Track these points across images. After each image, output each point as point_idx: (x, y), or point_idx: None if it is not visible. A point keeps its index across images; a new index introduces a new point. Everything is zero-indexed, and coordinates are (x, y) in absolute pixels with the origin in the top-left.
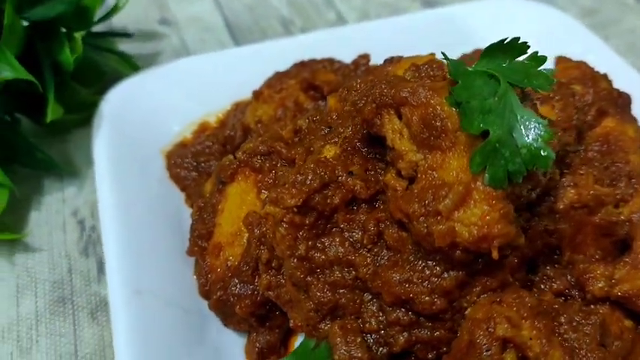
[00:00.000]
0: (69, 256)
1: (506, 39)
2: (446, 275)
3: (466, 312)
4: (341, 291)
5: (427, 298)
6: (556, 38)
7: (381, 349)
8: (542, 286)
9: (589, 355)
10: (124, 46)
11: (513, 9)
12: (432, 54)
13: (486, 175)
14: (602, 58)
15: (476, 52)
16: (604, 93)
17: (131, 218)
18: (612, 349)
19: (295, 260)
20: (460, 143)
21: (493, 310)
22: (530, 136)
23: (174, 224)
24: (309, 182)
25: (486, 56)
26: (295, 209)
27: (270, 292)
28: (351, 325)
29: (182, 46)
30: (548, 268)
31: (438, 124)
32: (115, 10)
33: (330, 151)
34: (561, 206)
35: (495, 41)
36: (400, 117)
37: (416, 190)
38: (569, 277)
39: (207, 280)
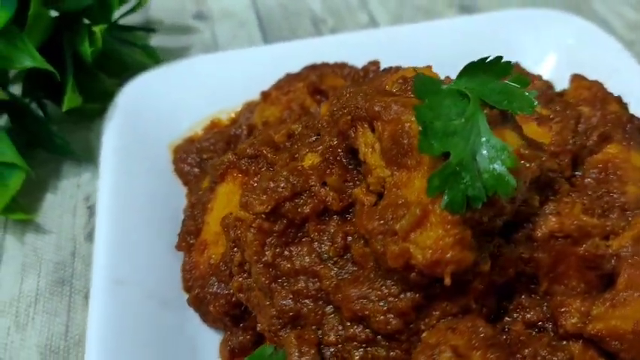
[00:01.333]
0: (74, 240)
1: (487, 57)
2: (403, 296)
3: (423, 335)
4: (304, 301)
5: (382, 317)
6: (587, 54)
7: None
8: (516, 315)
9: None
10: (157, 39)
11: (549, 21)
12: (429, 66)
13: (444, 198)
14: (629, 78)
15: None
16: (612, 117)
17: (127, 208)
18: None
19: (261, 266)
20: (425, 164)
21: (445, 336)
22: (494, 162)
23: (173, 219)
24: (280, 190)
25: (466, 74)
26: (264, 215)
27: (240, 295)
28: (309, 336)
29: (213, 42)
30: (523, 296)
31: (405, 141)
32: (139, 5)
33: (310, 160)
34: (539, 234)
35: (478, 59)
36: (374, 131)
37: (380, 207)
38: (545, 308)
39: (191, 276)
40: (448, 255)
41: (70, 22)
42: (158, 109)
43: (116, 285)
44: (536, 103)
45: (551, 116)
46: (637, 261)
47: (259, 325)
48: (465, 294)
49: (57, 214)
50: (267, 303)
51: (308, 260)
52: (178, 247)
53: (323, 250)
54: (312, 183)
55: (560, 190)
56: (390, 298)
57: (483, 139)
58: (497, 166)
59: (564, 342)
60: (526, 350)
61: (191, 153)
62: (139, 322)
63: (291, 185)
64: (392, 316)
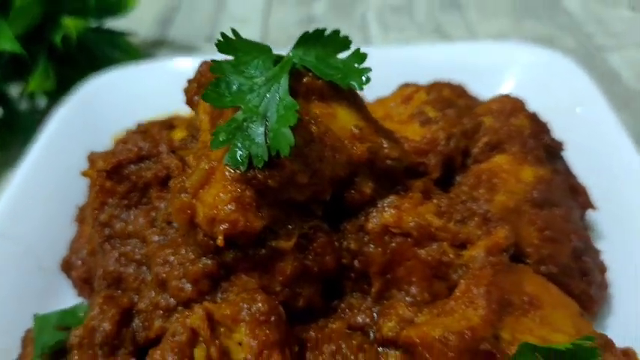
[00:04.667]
0: None
1: (325, 30)
2: (198, 262)
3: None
4: (128, 264)
5: (176, 282)
6: (555, 85)
7: (141, 333)
8: (344, 315)
9: None
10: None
11: (515, 51)
12: None
13: (227, 154)
14: (592, 111)
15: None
16: (512, 129)
17: (41, 179)
18: None
19: (97, 224)
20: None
21: (219, 307)
22: (282, 122)
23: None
24: (125, 151)
25: (302, 45)
26: (105, 174)
27: (91, 258)
28: (121, 300)
29: None
30: (354, 297)
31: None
32: (122, 8)
33: (177, 134)
34: (370, 226)
35: (314, 30)
36: None
37: (189, 167)
38: (375, 313)
39: (74, 245)
40: (222, 213)
41: (53, 15)
42: (114, 103)
43: None
44: (365, 79)
45: (437, 119)
46: (480, 273)
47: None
48: (268, 273)
49: None
50: (99, 263)
51: (141, 223)
52: (76, 219)
53: (157, 217)
54: (162, 150)
55: (411, 186)
56: (187, 264)
57: (278, 98)
58: (280, 124)
59: (381, 348)
60: (327, 346)
61: None
62: (9, 276)
63: (138, 149)
64: (186, 281)
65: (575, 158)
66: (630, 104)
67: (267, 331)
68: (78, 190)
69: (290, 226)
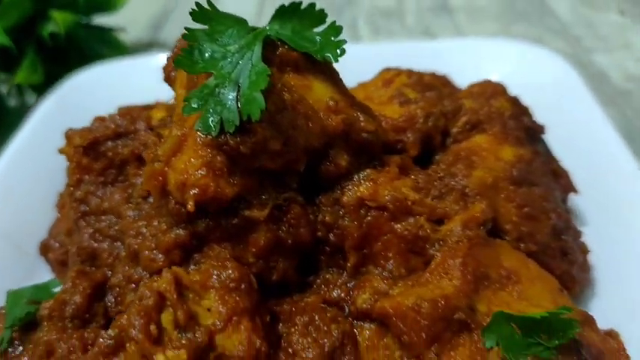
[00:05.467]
0: None
1: (301, 3)
2: (170, 233)
3: None
4: (102, 240)
5: (148, 253)
6: (539, 79)
7: (114, 307)
8: (319, 291)
9: None
10: None
11: (496, 47)
12: None
13: (199, 120)
14: (577, 103)
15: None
16: (492, 110)
17: (25, 165)
18: None
19: (73, 200)
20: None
21: (190, 273)
22: (254, 87)
23: None
24: (102, 128)
25: (278, 18)
26: (82, 150)
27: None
28: (95, 275)
29: None
30: (330, 273)
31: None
32: (112, 6)
33: (157, 114)
34: (346, 199)
35: (290, 3)
36: None
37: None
38: (351, 285)
39: (53, 230)
40: (193, 178)
41: (43, 9)
42: (98, 97)
43: None
44: (340, 52)
45: (417, 99)
46: (456, 246)
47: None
48: (241, 244)
49: None
50: (74, 239)
51: (117, 199)
52: (57, 205)
53: (133, 193)
54: (139, 127)
55: (388, 162)
56: (159, 235)
57: (251, 65)
58: (252, 89)
59: (355, 322)
60: (300, 318)
61: None
62: None
63: (116, 125)
64: (157, 252)
65: (559, 147)
66: (618, 103)
67: (237, 298)
68: (60, 179)
69: (264, 197)
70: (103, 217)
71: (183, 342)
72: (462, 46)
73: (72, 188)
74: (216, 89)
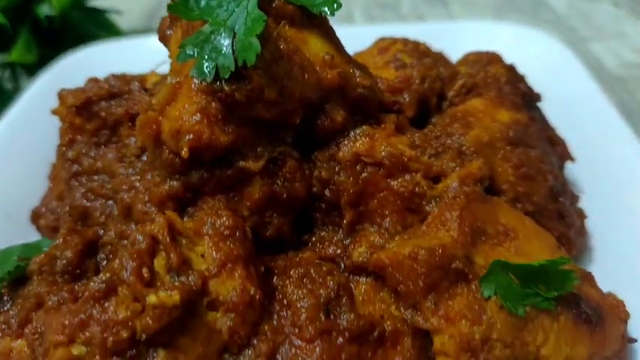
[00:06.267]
0: None
1: None
2: (163, 185)
3: None
4: (95, 199)
5: (141, 206)
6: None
7: (105, 262)
8: (315, 249)
9: (301, 313)
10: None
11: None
12: None
13: (194, 67)
14: (571, 76)
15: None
16: (488, 75)
17: (18, 135)
18: (340, 323)
19: (65, 160)
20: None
21: (183, 221)
22: (250, 34)
23: None
24: (96, 88)
25: None
26: (75, 110)
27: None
28: (87, 232)
29: None
30: (325, 231)
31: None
32: None
33: (151, 78)
34: (341, 154)
35: None
36: None
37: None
38: (347, 242)
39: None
40: (187, 124)
41: None
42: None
43: None
44: (336, 5)
45: (413, 63)
46: (453, 202)
47: None
48: (236, 196)
49: None
50: (66, 201)
51: (110, 159)
52: (49, 176)
53: (126, 152)
54: (133, 88)
55: (384, 120)
56: (153, 187)
57: (246, 12)
58: (247, 34)
59: (352, 276)
60: (295, 270)
61: None
62: None
63: (109, 86)
64: (150, 205)
65: (555, 118)
66: (612, 87)
67: (232, 246)
68: (52, 151)
69: (259, 149)
70: (95, 177)
71: (176, 285)
72: (455, 28)
73: (64, 148)
74: (212, 36)
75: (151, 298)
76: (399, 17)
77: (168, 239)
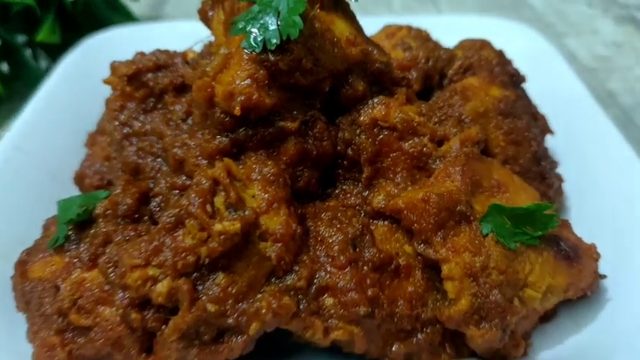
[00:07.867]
0: None
1: None
2: (213, 141)
3: None
4: (146, 157)
5: (193, 160)
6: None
7: (158, 213)
8: (338, 199)
9: (334, 246)
10: None
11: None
12: None
13: (244, 40)
14: (552, 66)
15: None
16: (481, 58)
17: (58, 102)
18: (365, 255)
19: (117, 123)
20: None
21: (236, 169)
22: (292, 13)
23: None
24: (145, 60)
25: None
26: (126, 79)
27: (106, 163)
28: (140, 184)
29: None
30: (346, 185)
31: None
32: None
33: (191, 54)
34: (362, 118)
35: None
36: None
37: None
38: (365, 194)
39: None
40: (239, 87)
41: None
42: (121, 55)
43: (14, 151)
44: None
45: (416, 46)
46: (456, 159)
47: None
48: (274, 151)
49: None
50: (118, 158)
51: (157, 122)
52: (87, 144)
53: (172, 117)
54: (177, 61)
55: (397, 92)
56: (204, 143)
57: None
58: (291, 14)
59: (371, 221)
60: (325, 214)
61: None
62: (23, 185)
63: (156, 58)
64: (202, 158)
65: (536, 99)
66: (585, 77)
67: (277, 189)
68: (90, 121)
69: (295, 112)
70: (144, 138)
71: (235, 217)
72: (443, 21)
73: (116, 112)
74: (260, 14)
75: (217, 227)
76: (390, 11)
77: (227, 180)
